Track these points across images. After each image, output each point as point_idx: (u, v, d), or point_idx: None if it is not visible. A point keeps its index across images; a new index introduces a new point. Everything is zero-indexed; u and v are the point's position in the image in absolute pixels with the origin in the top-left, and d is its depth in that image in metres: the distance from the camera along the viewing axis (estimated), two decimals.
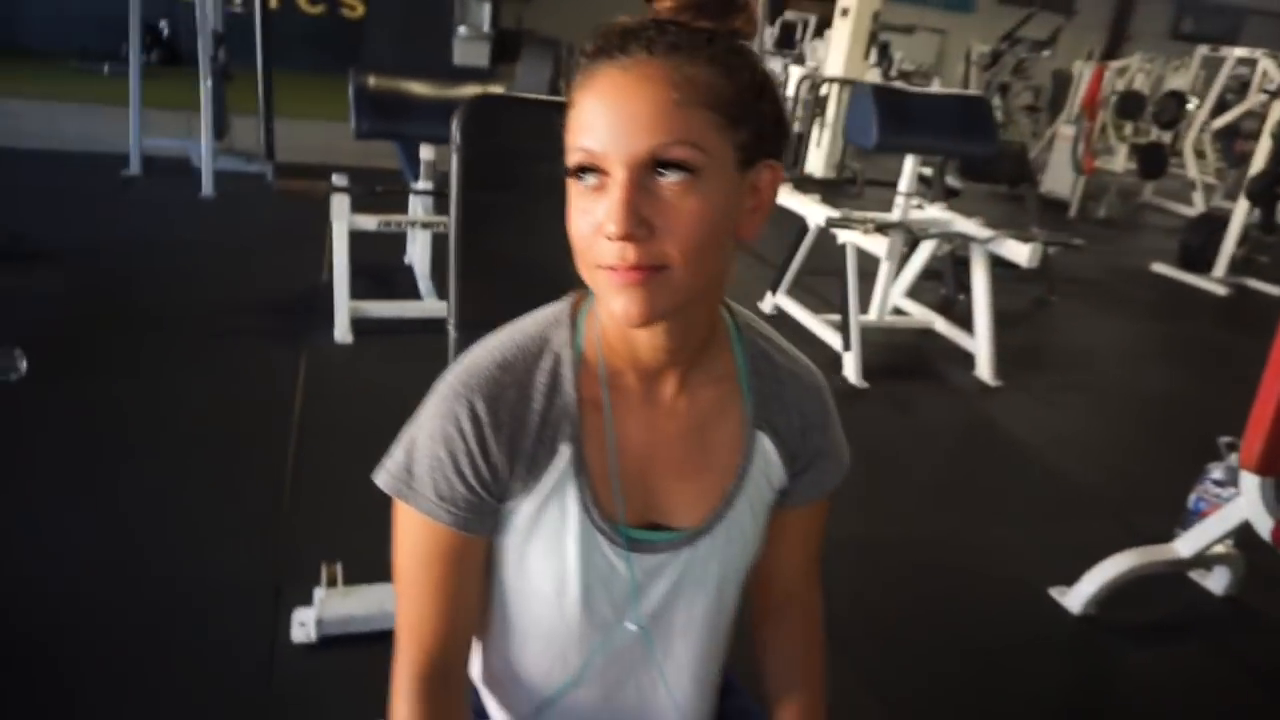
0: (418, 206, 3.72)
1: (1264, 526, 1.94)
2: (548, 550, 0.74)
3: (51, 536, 2.01)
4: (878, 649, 2.00)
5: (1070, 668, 2.07)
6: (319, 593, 1.84)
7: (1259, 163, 5.69)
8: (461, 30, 9.63)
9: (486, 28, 9.75)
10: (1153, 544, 2.23)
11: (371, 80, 3.29)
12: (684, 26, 0.63)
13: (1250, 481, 1.96)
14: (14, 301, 3.19)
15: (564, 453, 0.72)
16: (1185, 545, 2.16)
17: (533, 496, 0.73)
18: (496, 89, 3.48)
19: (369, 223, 3.39)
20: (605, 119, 0.62)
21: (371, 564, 1.88)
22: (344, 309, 3.24)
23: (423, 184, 3.53)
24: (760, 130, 0.66)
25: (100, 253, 3.84)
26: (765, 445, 0.79)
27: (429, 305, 3.52)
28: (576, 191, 0.65)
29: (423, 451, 0.71)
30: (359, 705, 1.66)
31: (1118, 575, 2.15)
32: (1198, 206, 7.64)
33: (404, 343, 3.29)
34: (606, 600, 0.76)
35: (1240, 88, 8.76)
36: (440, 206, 3.70)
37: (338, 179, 3.32)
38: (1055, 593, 2.24)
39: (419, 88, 3.36)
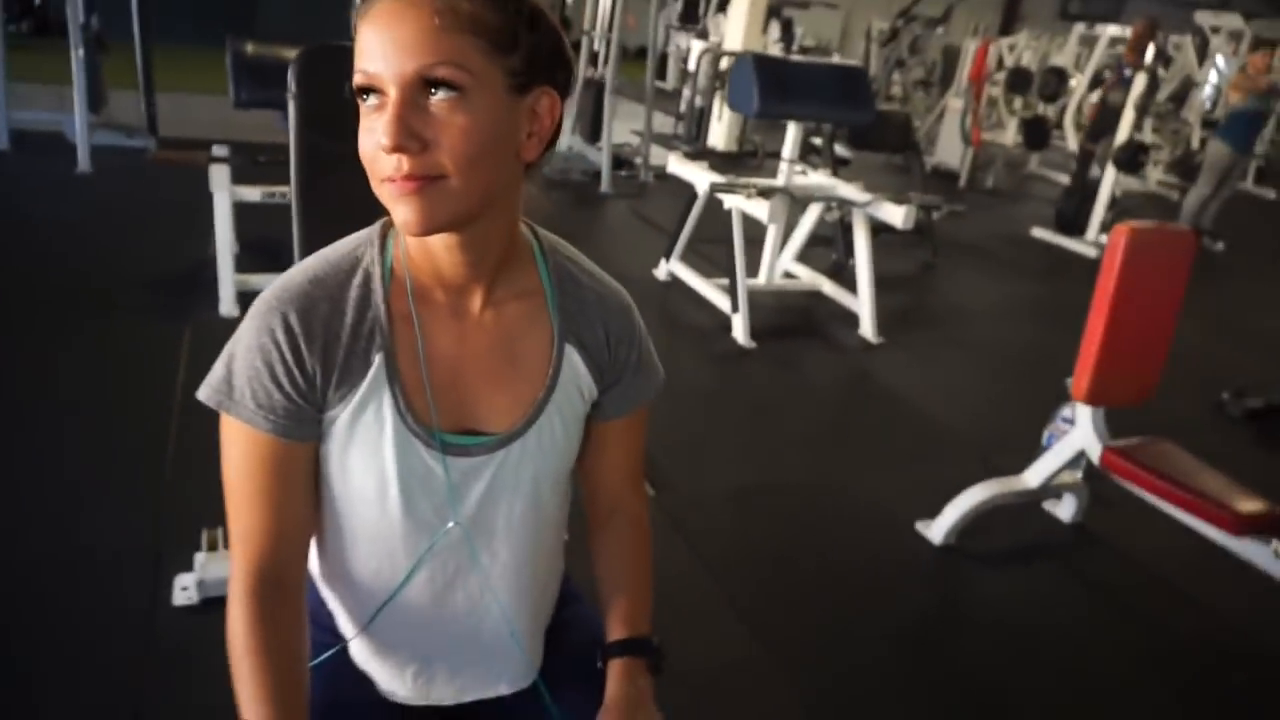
0: None
1: (1095, 452, 2.13)
2: (366, 454, 0.79)
3: None
4: (755, 588, 2.11)
5: (930, 592, 2.24)
6: (200, 557, 1.84)
7: (1123, 133, 6.06)
8: None
9: None
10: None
11: (249, 47, 3.22)
12: None
13: (1083, 412, 2.15)
14: None
15: (376, 362, 0.78)
16: (1033, 476, 2.34)
17: (349, 405, 0.78)
18: None
19: (252, 194, 3.33)
20: (378, 43, 0.67)
21: None
22: (229, 282, 3.18)
23: None
24: (533, 58, 0.72)
25: None
26: (574, 358, 0.85)
27: None
28: (364, 113, 0.71)
29: (241, 363, 0.76)
30: None
31: (974, 506, 2.32)
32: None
33: None
34: (426, 501, 0.82)
35: (1117, 64, 9.26)
36: None
37: (218, 149, 3.25)
38: (920, 526, 2.40)
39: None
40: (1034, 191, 8.28)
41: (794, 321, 4.00)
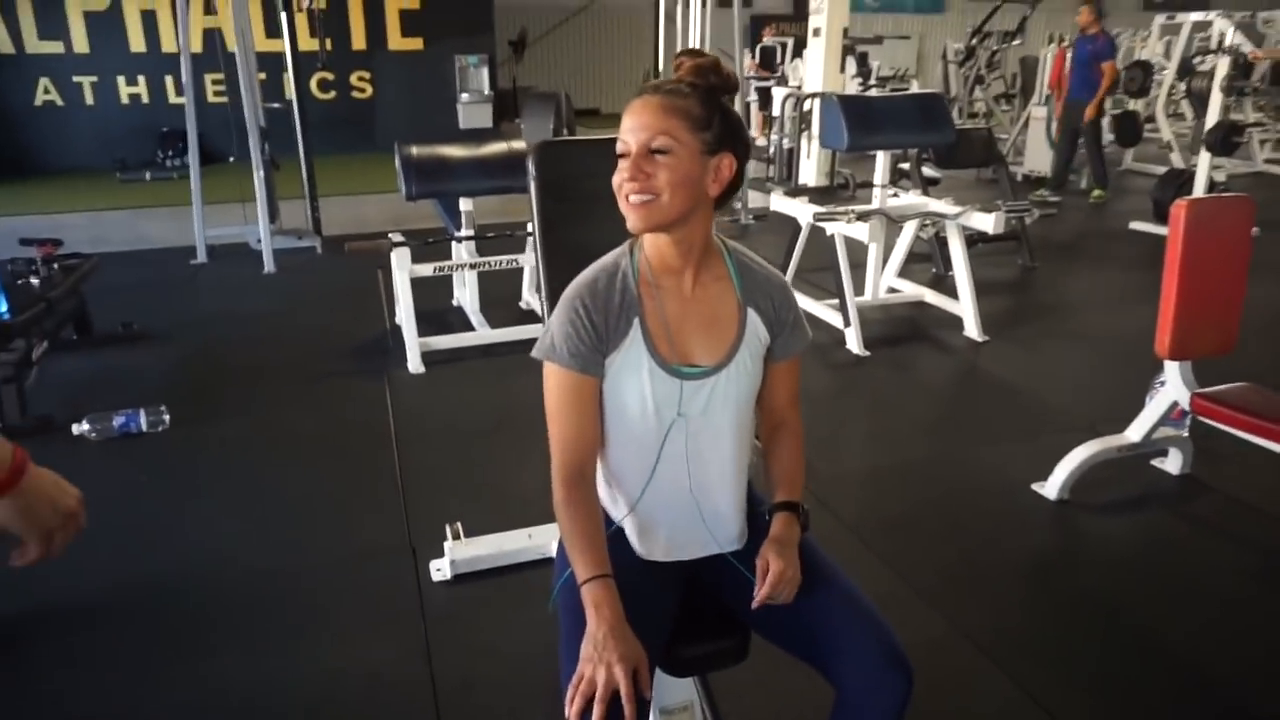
0: (461, 252, 4.29)
1: (1184, 399, 2.41)
2: (632, 380, 1.27)
3: (230, 539, 2.56)
4: (895, 544, 2.48)
5: (1049, 537, 2.55)
6: (448, 545, 2.36)
7: (1213, 116, 6.17)
8: (464, 96, 10.37)
9: (487, 91, 10.49)
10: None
11: (414, 150, 3.89)
12: (683, 81, 1.20)
13: (1170, 366, 2.44)
14: (140, 374, 3.78)
15: (635, 324, 1.26)
16: (1134, 430, 2.63)
17: (621, 351, 1.26)
18: (519, 144, 4.07)
19: (425, 270, 3.96)
20: (630, 125, 1.19)
21: (475, 525, 2.43)
22: (414, 344, 3.80)
23: (466, 232, 4.11)
24: (720, 135, 1.21)
25: (194, 328, 4.45)
26: (753, 315, 1.32)
27: (484, 334, 4.07)
28: (620, 164, 1.21)
29: (558, 332, 1.25)
30: (494, 618, 2.20)
31: (1082, 461, 2.62)
32: (1179, 165, 8.07)
33: (466, 367, 3.85)
34: (668, 407, 1.28)
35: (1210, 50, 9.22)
36: (482, 250, 4.28)
37: (395, 236, 3.90)
38: (1035, 486, 2.71)
39: (454, 151, 3.96)
40: (1130, 186, 8.33)
41: (902, 330, 4.35)
